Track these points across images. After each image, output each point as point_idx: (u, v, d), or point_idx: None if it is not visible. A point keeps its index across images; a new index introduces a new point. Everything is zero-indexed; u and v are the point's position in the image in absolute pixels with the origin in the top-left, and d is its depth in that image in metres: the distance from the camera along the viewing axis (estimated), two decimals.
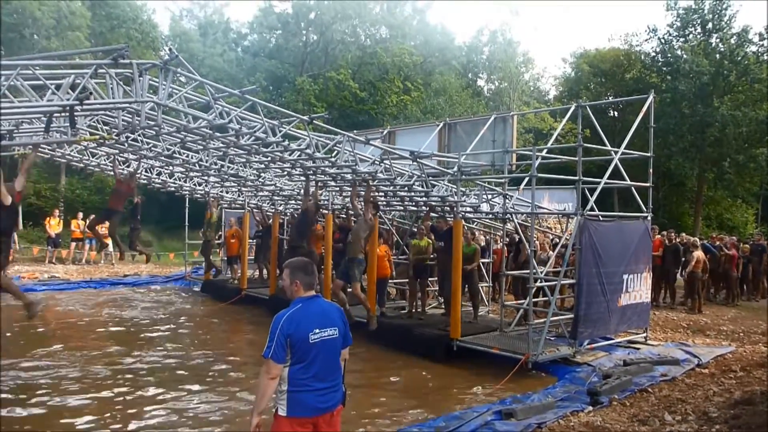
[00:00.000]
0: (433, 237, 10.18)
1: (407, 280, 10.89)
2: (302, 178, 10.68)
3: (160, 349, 8.89)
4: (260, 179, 12.14)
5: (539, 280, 8.38)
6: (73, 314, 11.56)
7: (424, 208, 10.99)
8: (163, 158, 10.67)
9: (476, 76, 41.47)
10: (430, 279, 10.97)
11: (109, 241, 12.23)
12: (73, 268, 17.55)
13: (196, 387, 6.93)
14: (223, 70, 33.00)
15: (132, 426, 5.67)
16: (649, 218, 9.20)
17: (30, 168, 6.85)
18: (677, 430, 5.29)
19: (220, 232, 15.95)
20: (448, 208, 10.56)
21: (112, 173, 11.07)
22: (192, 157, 10.55)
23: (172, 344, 9.25)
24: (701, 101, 27.48)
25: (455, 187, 9.25)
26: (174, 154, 10.21)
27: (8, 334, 9.15)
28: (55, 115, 6.29)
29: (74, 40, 23.09)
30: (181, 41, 34.33)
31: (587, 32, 69.64)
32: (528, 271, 8.27)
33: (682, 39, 30.31)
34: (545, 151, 10.04)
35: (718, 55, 28.49)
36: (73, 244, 18.95)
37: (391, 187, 9.80)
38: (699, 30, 29.85)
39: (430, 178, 9.46)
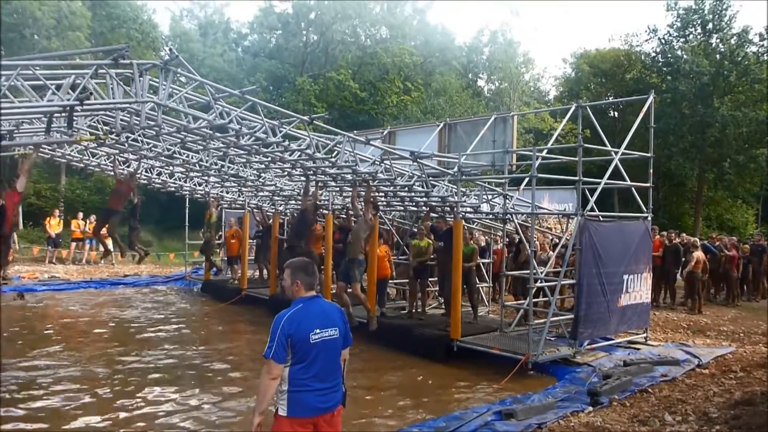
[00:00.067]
0: (433, 237, 10.18)
1: (407, 280, 10.89)
2: (302, 178, 10.69)
3: (160, 349, 8.88)
4: (260, 179, 12.14)
5: (539, 281, 8.37)
6: (73, 314, 11.56)
7: (424, 208, 10.98)
8: (163, 158, 10.68)
9: (476, 76, 41.53)
10: (430, 279, 10.97)
11: (109, 241, 12.23)
12: (74, 268, 17.56)
13: (196, 387, 6.93)
14: (224, 70, 33.02)
15: (132, 426, 5.66)
16: (649, 218, 9.19)
17: (31, 168, 6.85)
18: (677, 431, 5.28)
19: (220, 233, 15.95)
20: (449, 209, 10.56)
21: (112, 173, 11.09)
22: (192, 158, 10.56)
23: (171, 344, 9.24)
24: (701, 102, 27.49)
25: (455, 187, 9.25)
26: (174, 155, 10.21)
27: (5, 335, 9.13)
28: (56, 115, 6.28)
29: (74, 40, 23.09)
30: (182, 41, 34.33)
31: (587, 32, 69.82)
32: (528, 271, 8.26)
33: (682, 39, 30.33)
34: (545, 151, 10.03)
35: (718, 56, 28.51)
36: (73, 244, 18.97)
37: (392, 188, 9.80)
38: (699, 30, 29.88)
39: (431, 178, 9.46)
